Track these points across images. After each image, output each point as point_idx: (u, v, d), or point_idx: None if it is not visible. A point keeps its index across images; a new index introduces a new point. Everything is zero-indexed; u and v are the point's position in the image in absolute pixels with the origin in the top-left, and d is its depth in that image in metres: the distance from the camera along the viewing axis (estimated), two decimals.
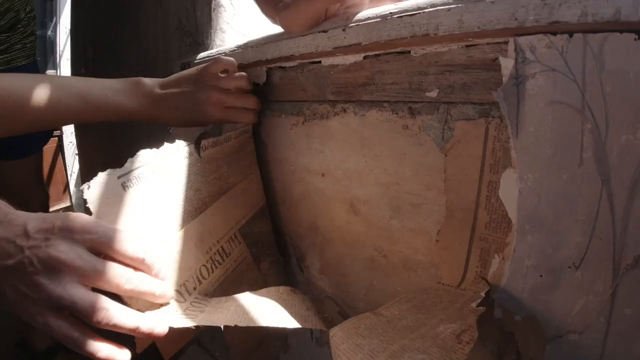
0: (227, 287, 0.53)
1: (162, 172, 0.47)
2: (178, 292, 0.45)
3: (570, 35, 0.32)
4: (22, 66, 0.98)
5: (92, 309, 0.33)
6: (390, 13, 0.41)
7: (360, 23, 0.42)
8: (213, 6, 0.69)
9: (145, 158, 0.45)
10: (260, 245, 0.61)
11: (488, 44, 0.37)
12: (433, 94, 0.42)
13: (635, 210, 0.32)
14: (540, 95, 0.35)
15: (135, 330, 0.35)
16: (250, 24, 0.73)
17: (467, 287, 0.42)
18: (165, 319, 0.39)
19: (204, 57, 0.66)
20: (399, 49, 0.43)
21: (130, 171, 0.43)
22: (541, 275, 0.37)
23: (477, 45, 0.38)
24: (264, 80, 0.59)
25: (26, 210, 0.36)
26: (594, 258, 0.34)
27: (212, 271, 0.51)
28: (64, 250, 0.33)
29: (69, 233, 0.34)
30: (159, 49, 0.89)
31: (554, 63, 0.33)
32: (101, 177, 0.40)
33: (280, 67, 0.57)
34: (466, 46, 0.39)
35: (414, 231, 0.45)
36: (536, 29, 0.32)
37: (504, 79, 0.35)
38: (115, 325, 0.35)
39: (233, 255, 0.55)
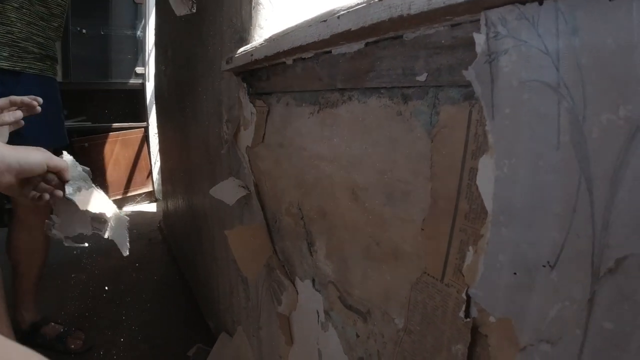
0: None
1: None
2: None
3: (540, 3, 0.29)
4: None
5: None
6: None
7: (351, 9, 0.43)
8: (253, 4, 0.73)
9: None
10: None
11: (471, 22, 0.35)
12: (422, 77, 0.41)
13: (618, 205, 0.27)
14: (514, 72, 0.32)
15: None
16: (286, 20, 0.76)
17: (450, 281, 0.40)
18: None
19: (241, 52, 0.71)
20: (391, 34, 0.43)
21: None
22: (515, 273, 0.33)
23: (461, 24, 0.36)
24: None
25: None
26: (570, 258, 0.30)
27: None
28: None
29: None
30: (216, 47, 0.97)
31: (526, 36, 0.30)
32: None
33: (302, 59, 0.59)
34: (451, 26, 0.37)
35: (403, 219, 0.44)
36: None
37: (478, 57, 0.33)
38: None
39: None
